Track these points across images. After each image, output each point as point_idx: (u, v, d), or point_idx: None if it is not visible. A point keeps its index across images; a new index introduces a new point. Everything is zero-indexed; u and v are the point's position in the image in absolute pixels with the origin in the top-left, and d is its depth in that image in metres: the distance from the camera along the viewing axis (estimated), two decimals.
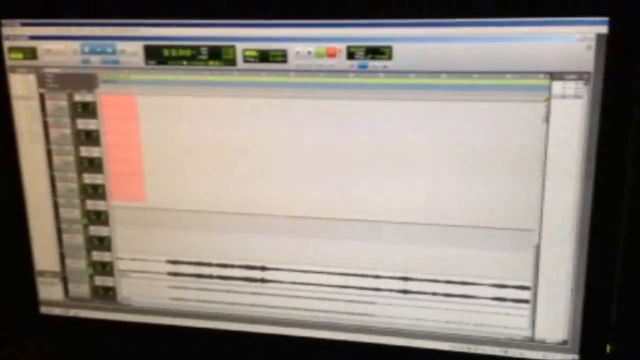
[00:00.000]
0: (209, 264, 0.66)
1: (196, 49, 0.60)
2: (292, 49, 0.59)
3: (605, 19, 0.52)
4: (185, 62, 0.61)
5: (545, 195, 0.57)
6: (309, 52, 0.58)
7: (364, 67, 0.58)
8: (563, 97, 0.54)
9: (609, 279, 0.57)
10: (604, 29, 0.52)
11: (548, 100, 0.55)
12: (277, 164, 0.62)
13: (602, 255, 0.57)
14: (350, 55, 0.58)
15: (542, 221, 0.57)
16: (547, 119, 0.55)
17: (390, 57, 0.57)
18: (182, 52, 0.61)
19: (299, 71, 0.59)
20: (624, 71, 0.52)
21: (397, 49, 0.57)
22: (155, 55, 0.61)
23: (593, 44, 0.53)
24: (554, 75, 0.54)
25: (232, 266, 0.66)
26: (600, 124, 0.54)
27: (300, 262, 0.64)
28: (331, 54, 0.58)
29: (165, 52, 0.61)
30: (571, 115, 0.55)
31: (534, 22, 0.53)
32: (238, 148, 0.62)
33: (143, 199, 0.65)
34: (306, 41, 0.58)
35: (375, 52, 0.57)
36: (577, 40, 0.53)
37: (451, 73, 0.56)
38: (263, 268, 0.65)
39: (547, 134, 0.55)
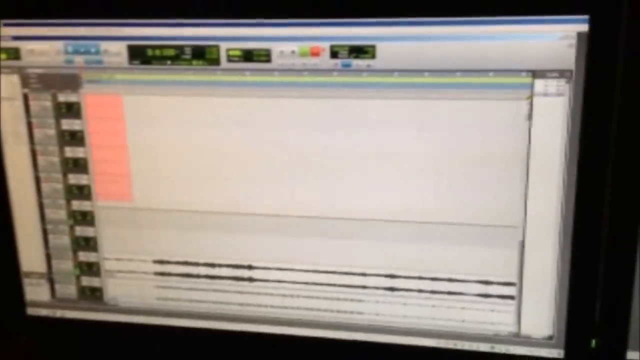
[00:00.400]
0: (196, 264, 0.66)
1: (180, 48, 0.60)
2: (276, 48, 0.59)
3: (586, 17, 0.52)
4: (169, 62, 0.61)
5: (529, 192, 0.57)
6: (293, 52, 0.58)
7: (348, 66, 0.58)
8: (545, 94, 0.55)
9: (593, 274, 0.58)
10: (584, 27, 0.53)
11: (530, 98, 0.55)
12: (262, 163, 0.62)
13: (586, 251, 0.57)
14: (334, 54, 0.58)
15: (526, 218, 0.58)
16: (529, 117, 0.55)
17: (373, 56, 0.57)
18: (165, 52, 0.61)
19: (283, 70, 0.59)
20: (605, 69, 0.53)
21: (380, 47, 0.57)
22: (139, 55, 0.61)
23: (574, 42, 0.53)
24: (536, 74, 0.54)
25: (219, 265, 0.66)
26: (582, 121, 0.54)
27: (287, 260, 0.64)
28: (315, 53, 0.58)
29: (149, 52, 0.61)
30: (553, 113, 0.55)
31: (515, 21, 0.54)
32: (224, 147, 0.62)
33: (130, 199, 0.65)
34: (290, 40, 0.58)
35: (359, 51, 0.57)
36: (558, 39, 0.53)
37: (434, 71, 0.56)
38: (250, 267, 0.65)
39: (530, 132, 0.56)
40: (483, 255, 0.60)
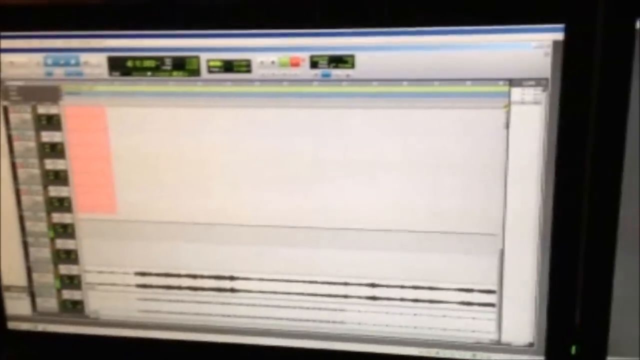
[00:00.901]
0: (178, 275, 0.66)
1: (160, 59, 0.60)
2: (256, 58, 0.59)
3: (561, 26, 0.53)
4: (149, 73, 0.61)
5: (508, 200, 0.58)
6: (273, 62, 0.59)
7: (327, 75, 0.58)
8: (522, 103, 0.55)
9: (572, 281, 0.58)
10: (560, 36, 0.53)
11: (508, 106, 0.56)
12: (244, 173, 0.62)
13: (565, 258, 0.58)
14: (314, 64, 0.58)
15: (505, 226, 0.58)
16: (507, 125, 0.56)
17: (352, 66, 0.58)
18: (146, 63, 0.61)
19: (264, 81, 0.59)
20: (581, 77, 0.53)
21: (359, 57, 0.57)
22: (119, 66, 0.61)
23: (550, 50, 0.54)
24: (513, 82, 0.55)
25: (202, 277, 0.66)
26: (559, 128, 0.55)
27: (269, 271, 0.64)
28: (295, 64, 0.59)
29: (129, 63, 0.61)
30: (531, 121, 0.55)
31: (491, 30, 0.54)
32: (206, 158, 0.62)
33: (113, 210, 0.65)
34: (270, 51, 0.59)
35: (338, 61, 0.58)
36: (534, 48, 0.54)
37: (413, 81, 0.57)
38: (232, 278, 0.65)
39: (508, 140, 0.56)
40: (463, 263, 0.60)
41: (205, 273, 0.65)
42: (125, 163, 0.64)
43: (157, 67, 0.61)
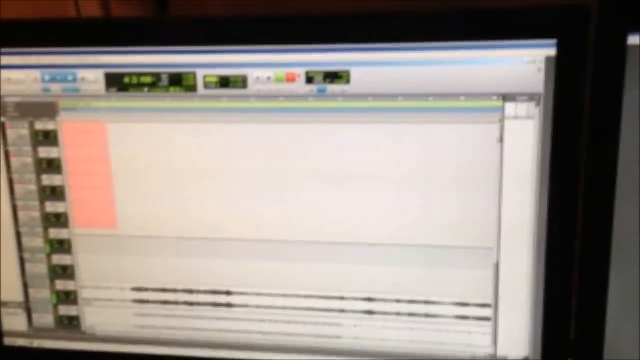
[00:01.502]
0: (175, 290, 0.66)
1: (156, 75, 0.61)
2: (252, 74, 0.59)
3: (553, 41, 0.54)
4: (146, 89, 0.61)
5: (502, 214, 0.58)
6: (269, 77, 0.59)
7: (323, 91, 0.59)
8: (516, 117, 0.56)
9: (567, 294, 0.58)
10: (552, 52, 0.54)
11: (501, 121, 0.56)
12: (241, 188, 0.62)
13: (559, 271, 0.58)
14: (309, 79, 0.59)
15: (500, 239, 0.59)
16: (501, 139, 0.56)
17: (347, 81, 0.58)
18: (142, 79, 0.61)
19: (260, 96, 0.60)
20: (573, 92, 0.54)
21: (354, 73, 0.58)
22: (116, 82, 0.62)
23: (542, 66, 0.54)
24: (506, 97, 0.56)
25: (198, 291, 0.66)
26: (552, 143, 0.55)
27: (265, 285, 0.64)
28: (290, 79, 0.59)
29: (126, 79, 0.61)
30: (524, 135, 0.56)
31: (485, 46, 0.55)
32: (203, 173, 0.62)
33: (113, 225, 0.65)
34: (266, 67, 0.59)
35: (333, 77, 0.58)
36: (527, 63, 0.55)
37: (407, 96, 0.57)
38: (228, 292, 0.65)
39: (502, 154, 0.57)
40: (459, 277, 0.60)
41: (202, 288, 0.65)
42: (124, 178, 0.64)
43: (153, 83, 0.61)
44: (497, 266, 0.59)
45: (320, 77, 0.59)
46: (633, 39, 0.52)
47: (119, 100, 0.62)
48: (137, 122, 0.62)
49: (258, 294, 0.65)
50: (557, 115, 0.54)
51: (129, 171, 0.64)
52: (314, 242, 0.62)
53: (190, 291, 0.66)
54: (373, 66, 0.57)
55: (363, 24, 0.57)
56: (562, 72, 0.54)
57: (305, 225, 0.62)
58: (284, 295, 0.64)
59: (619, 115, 0.53)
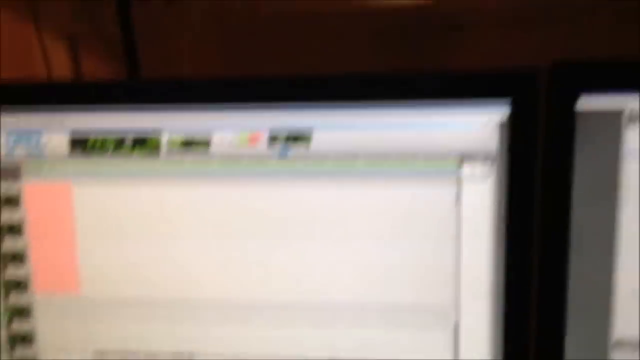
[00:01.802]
0: (137, 354, 0.65)
1: (120, 137, 0.61)
2: (215, 136, 0.60)
3: (506, 104, 0.55)
4: (110, 152, 0.62)
5: (461, 274, 0.59)
6: (232, 140, 0.60)
7: (285, 153, 0.60)
8: (472, 178, 0.57)
9: (525, 353, 0.59)
10: (505, 114, 0.56)
11: (459, 181, 0.57)
12: (206, 250, 0.62)
13: (517, 330, 0.59)
14: (272, 141, 0.60)
15: (459, 299, 0.59)
16: (458, 200, 0.58)
17: (309, 143, 0.59)
18: (107, 142, 0.62)
19: (223, 158, 0.60)
20: (526, 153, 0.55)
21: (316, 135, 0.59)
22: (80, 145, 0.62)
23: (497, 128, 0.56)
24: (463, 158, 0.57)
25: (161, 355, 0.65)
26: (507, 202, 0.56)
27: (228, 349, 0.64)
28: (253, 141, 0.60)
29: (90, 142, 0.62)
30: (481, 196, 0.57)
31: (440, 107, 0.56)
32: (167, 236, 0.62)
33: (75, 289, 0.65)
34: (229, 128, 0.60)
35: (296, 139, 0.59)
36: (482, 125, 0.56)
37: (368, 158, 0.58)
38: (191, 356, 0.64)
39: (460, 215, 0.58)
40: (418, 337, 0.60)
41: (165, 351, 0.65)
42: (88, 240, 0.64)
43: (117, 145, 0.62)
44: (456, 326, 0.59)
45: (282, 139, 0.60)
46: (584, 102, 0.54)
47: (83, 163, 0.62)
48: (102, 184, 0.63)
49: (222, 358, 0.64)
50: (511, 176, 0.56)
51: (94, 233, 0.63)
52: (275, 304, 0.62)
53: (153, 355, 0.65)
54: (334, 129, 0.58)
55: (325, 84, 0.58)
56: (514, 134, 0.55)
57: (267, 287, 0.62)
58: None
59: (570, 175, 0.55)
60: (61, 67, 0.91)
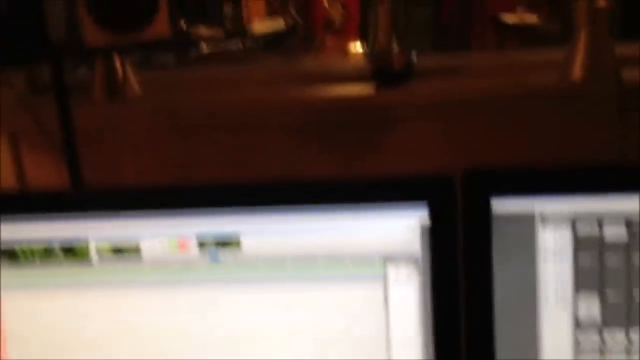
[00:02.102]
0: None
1: (49, 247, 0.61)
2: (145, 243, 0.60)
3: (425, 208, 0.57)
4: (39, 261, 0.61)
5: None
6: (161, 246, 0.60)
7: (215, 258, 0.60)
8: (397, 280, 0.58)
9: None
10: (425, 217, 0.57)
11: (385, 284, 0.58)
12: (140, 358, 0.61)
13: None
14: (201, 247, 0.60)
15: None
16: (385, 302, 0.58)
17: (238, 248, 0.60)
18: (35, 251, 0.61)
19: (153, 265, 0.60)
20: (446, 255, 0.57)
21: (245, 240, 0.59)
22: (8, 255, 0.61)
23: (418, 230, 0.57)
24: (388, 261, 0.58)
25: None
26: (433, 303, 0.58)
27: None
28: (183, 247, 0.60)
29: (18, 252, 0.61)
30: (407, 297, 0.58)
31: (363, 212, 0.58)
32: (100, 344, 0.62)
33: None
34: (158, 236, 0.60)
35: (225, 244, 0.60)
36: (405, 228, 0.57)
37: (296, 262, 0.59)
38: None
39: (388, 316, 0.58)
40: None
41: None
42: (19, 350, 0.62)
43: (46, 254, 0.61)
44: None
45: (211, 245, 0.60)
46: (498, 205, 0.56)
47: (12, 273, 0.62)
48: (32, 294, 0.62)
49: None
50: (435, 277, 0.57)
51: (24, 344, 0.62)
52: None
53: None
54: (262, 234, 0.59)
55: (252, 190, 0.59)
56: (435, 237, 0.57)
57: None
58: None
59: (490, 276, 0.56)
60: (5, 175, 0.90)
